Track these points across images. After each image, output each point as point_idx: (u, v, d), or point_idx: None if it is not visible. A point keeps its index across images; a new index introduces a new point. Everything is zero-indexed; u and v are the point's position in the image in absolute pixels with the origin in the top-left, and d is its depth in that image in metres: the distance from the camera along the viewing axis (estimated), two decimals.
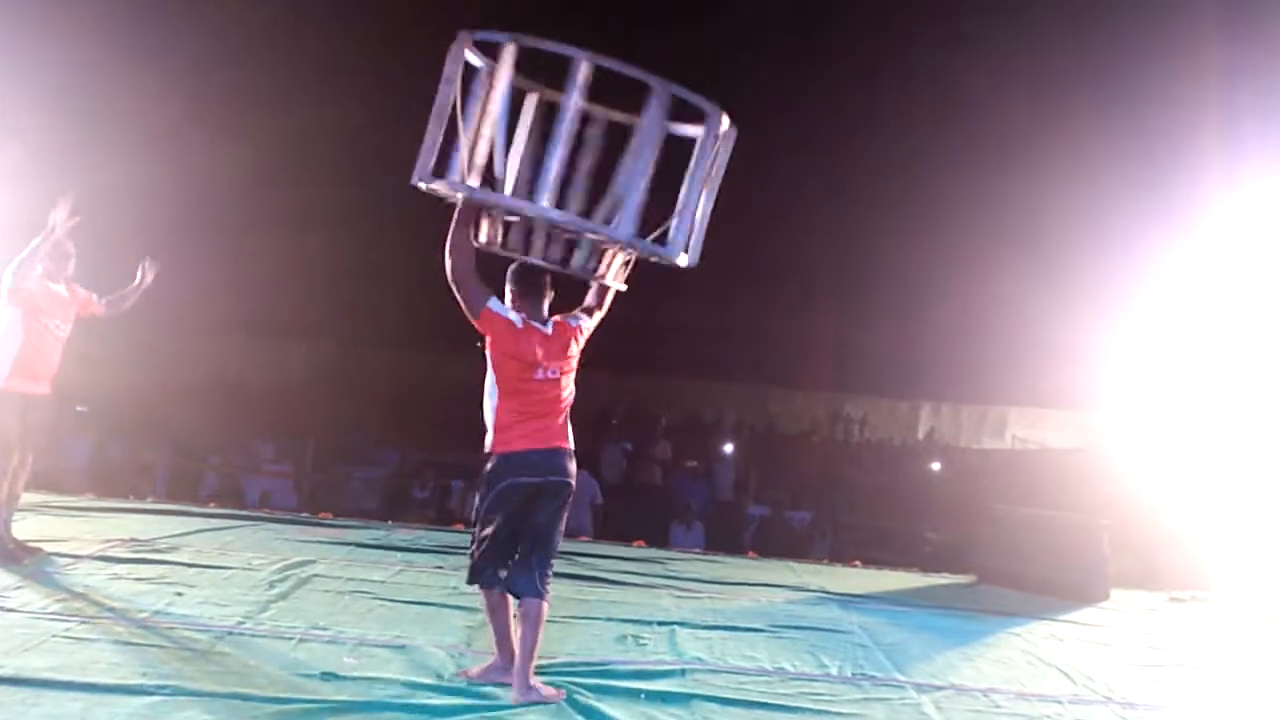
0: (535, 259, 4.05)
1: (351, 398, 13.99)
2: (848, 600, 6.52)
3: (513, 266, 4.21)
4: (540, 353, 4.09)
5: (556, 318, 4.23)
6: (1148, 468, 11.07)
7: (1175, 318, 11.20)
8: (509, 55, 3.90)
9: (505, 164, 4.15)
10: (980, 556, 7.90)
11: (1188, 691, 5.05)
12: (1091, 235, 15.60)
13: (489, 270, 4.16)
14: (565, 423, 4.20)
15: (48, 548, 5.74)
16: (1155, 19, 13.99)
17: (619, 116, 4.21)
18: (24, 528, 6.29)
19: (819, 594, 6.66)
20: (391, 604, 5.29)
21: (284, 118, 13.44)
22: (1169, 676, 5.30)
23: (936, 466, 16.87)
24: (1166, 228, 11.79)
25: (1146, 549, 9.44)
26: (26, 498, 7.24)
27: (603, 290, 4.36)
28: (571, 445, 4.20)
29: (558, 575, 6.36)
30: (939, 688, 4.71)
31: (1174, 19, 13.40)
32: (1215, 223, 10.11)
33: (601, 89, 3.98)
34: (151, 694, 3.64)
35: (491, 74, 3.96)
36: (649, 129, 3.84)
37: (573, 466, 4.20)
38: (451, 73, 3.93)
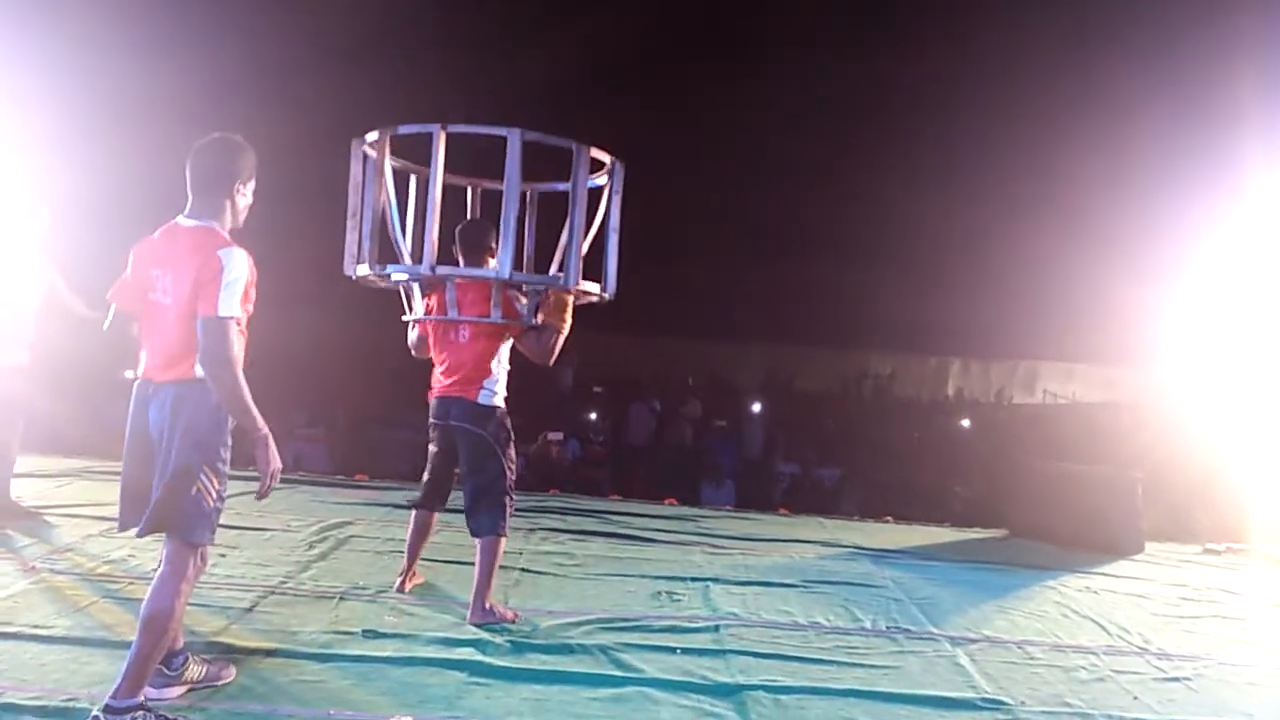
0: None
1: (382, 362, 14.09)
2: (880, 555, 6.54)
3: (459, 226, 4.55)
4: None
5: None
6: (1181, 421, 11.01)
7: (1208, 274, 11.09)
8: (386, 145, 4.32)
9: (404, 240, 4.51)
10: (1012, 511, 7.88)
11: (1223, 642, 5.03)
12: (1123, 194, 15.44)
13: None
14: None
15: (92, 512, 5.84)
16: None
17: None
18: (68, 492, 6.44)
19: (851, 549, 6.68)
20: (429, 563, 5.35)
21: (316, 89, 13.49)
22: (1204, 628, 5.29)
23: (966, 423, 16.79)
24: (1199, 187, 11.68)
25: (1180, 502, 9.40)
26: (70, 463, 7.41)
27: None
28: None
29: (590, 534, 6.49)
30: (973, 640, 4.73)
31: None
32: (1249, 184, 10.00)
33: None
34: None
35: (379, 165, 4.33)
36: (511, 180, 4.10)
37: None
38: (356, 177, 4.40)
